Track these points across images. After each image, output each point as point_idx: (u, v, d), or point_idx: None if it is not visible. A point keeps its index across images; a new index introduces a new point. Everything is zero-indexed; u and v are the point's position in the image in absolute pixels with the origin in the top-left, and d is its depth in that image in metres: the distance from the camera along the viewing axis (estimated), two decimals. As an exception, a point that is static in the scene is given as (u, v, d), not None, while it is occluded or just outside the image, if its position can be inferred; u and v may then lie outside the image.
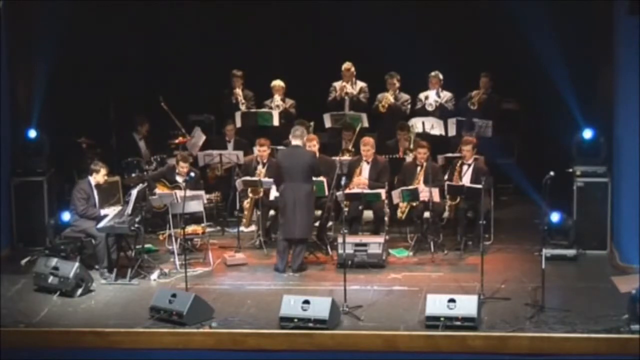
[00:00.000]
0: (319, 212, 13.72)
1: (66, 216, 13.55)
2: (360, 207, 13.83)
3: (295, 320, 11.17)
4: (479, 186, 12.85)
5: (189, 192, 13.28)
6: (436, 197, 13.51)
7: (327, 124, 15.50)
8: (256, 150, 14.41)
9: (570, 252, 13.31)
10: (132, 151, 15.57)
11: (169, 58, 16.40)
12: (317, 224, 13.79)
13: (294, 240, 12.96)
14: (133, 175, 15.07)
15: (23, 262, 13.42)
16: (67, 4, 14.50)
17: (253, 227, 14.40)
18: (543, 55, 13.99)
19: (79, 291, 12.36)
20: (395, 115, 15.42)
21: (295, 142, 13.13)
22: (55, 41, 14.21)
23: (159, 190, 14.02)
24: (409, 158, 14.46)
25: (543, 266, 11.62)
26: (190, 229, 13.53)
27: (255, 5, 16.33)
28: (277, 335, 11.13)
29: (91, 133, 15.73)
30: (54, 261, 12.57)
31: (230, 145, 15.41)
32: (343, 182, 12.97)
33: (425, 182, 13.61)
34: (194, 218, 13.66)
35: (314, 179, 13.18)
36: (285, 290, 12.05)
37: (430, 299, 11.26)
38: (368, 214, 14.06)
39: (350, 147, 14.85)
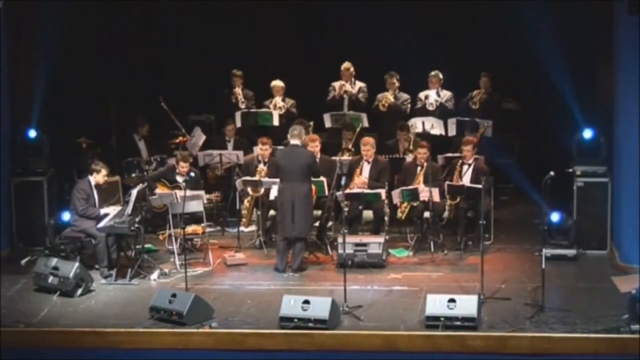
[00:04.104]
0: (319, 212, 13.73)
1: (66, 216, 13.54)
2: (360, 207, 13.83)
3: (295, 320, 11.17)
4: (479, 186, 12.86)
5: (189, 192, 13.27)
6: (436, 197, 13.51)
7: (327, 124, 15.49)
8: (258, 149, 14.39)
9: (570, 252, 13.32)
10: (132, 151, 15.55)
11: (168, 58, 16.39)
12: (317, 224, 13.79)
13: (291, 239, 12.96)
14: (133, 175, 15.06)
15: (23, 262, 13.41)
16: (67, 4, 14.49)
17: (253, 227, 14.39)
18: (543, 55, 13.99)
19: (79, 291, 12.36)
20: (395, 115, 15.42)
21: (293, 141, 13.11)
22: (55, 41, 14.21)
23: (159, 190, 14.01)
24: (409, 158, 14.46)
25: (543, 266, 11.62)
26: (190, 229, 13.53)
27: (256, 5, 16.32)
28: (277, 335, 11.13)
29: (91, 133, 15.71)
30: (54, 261, 12.56)
31: (230, 145, 15.40)
32: (343, 182, 12.97)
33: (425, 182, 13.61)
34: (194, 218, 13.65)
35: (313, 179, 13.18)
36: (285, 290, 12.05)
37: (430, 299, 11.26)
38: (368, 214, 14.05)
39: (350, 147, 14.85)
